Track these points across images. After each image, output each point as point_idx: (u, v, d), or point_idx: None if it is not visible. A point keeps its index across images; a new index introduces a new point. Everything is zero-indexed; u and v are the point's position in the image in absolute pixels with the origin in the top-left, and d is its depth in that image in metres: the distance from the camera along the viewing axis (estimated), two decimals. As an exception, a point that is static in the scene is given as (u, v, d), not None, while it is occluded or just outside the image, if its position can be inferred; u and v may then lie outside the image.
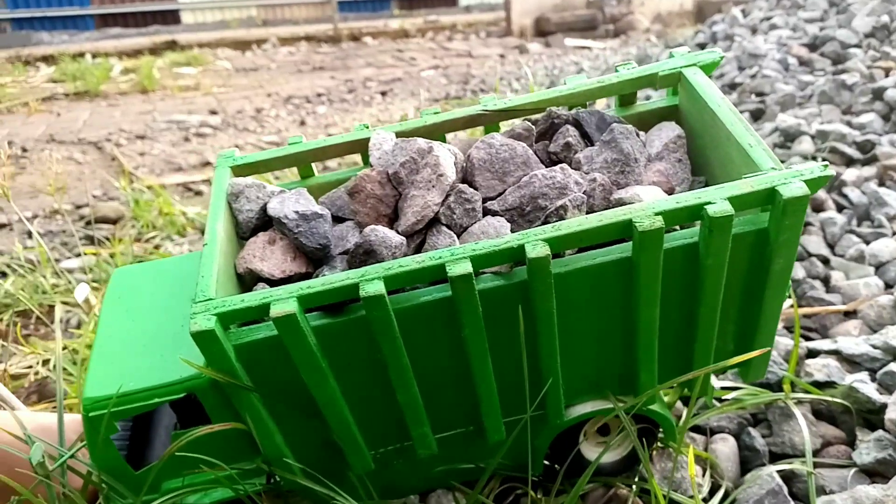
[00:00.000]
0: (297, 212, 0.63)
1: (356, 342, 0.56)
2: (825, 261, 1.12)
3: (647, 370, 0.63)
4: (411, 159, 0.63)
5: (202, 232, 1.73)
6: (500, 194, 0.62)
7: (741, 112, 1.71)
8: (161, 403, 0.59)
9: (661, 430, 0.72)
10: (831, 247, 1.16)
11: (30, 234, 1.95)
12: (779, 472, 0.72)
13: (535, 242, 0.52)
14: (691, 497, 0.71)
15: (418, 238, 0.61)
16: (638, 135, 0.66)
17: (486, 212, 0.62)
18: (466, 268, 0.52)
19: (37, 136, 3.09)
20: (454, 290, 0.53)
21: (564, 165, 0.61)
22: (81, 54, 5.15)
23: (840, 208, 1.26)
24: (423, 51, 5.50)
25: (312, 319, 0.55)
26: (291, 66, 4.99)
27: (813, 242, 1.15)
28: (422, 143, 0.64)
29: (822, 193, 1.27)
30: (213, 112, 3.50)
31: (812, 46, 2.00)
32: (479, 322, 0.55)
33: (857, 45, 1.89)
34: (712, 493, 0.73)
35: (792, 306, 1.02)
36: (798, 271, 1.09)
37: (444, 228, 0.61)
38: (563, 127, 0.67)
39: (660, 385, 0.64)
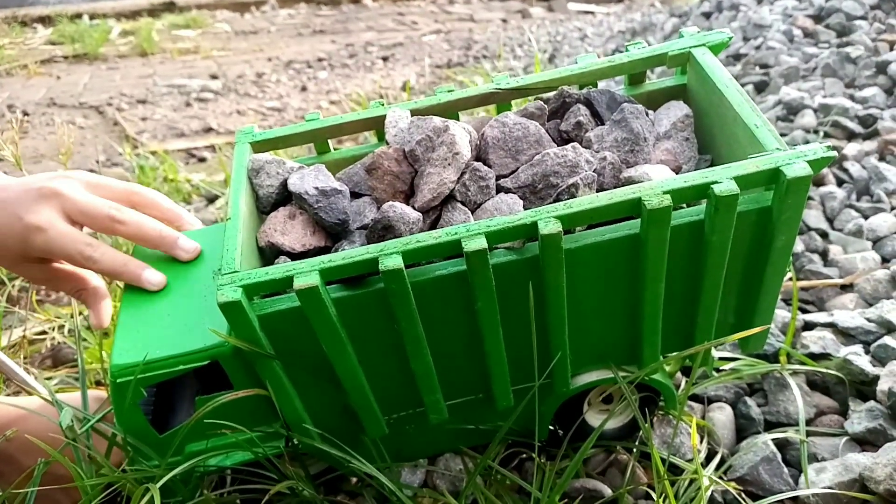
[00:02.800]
0: (316, 188, 0.65)
1: (374, 313, 0.59)
2: (824, 235, 1.15)
3: (650, 342, 0.66)
4: (427, 137, 0.65)
5: (208, 199, 1.75)
6: (512, 172, 0.64)
7: (745, 85, 1.72)
8: (186, 370, 0.62)
9: (661, 398, 0.75)
10: (830, 221, 1.18)
11: (36, 200, 1.97)
12: (773, 440, 0.75)
13: (547, 219, 0.55)
14: (689, 461, 0.74)
15: (434, 214, 0.64)
16: (647, 114, 0.68)
17: (500, 189, 0.64)
18: (481, 243, 0.54)
19: (37, 100, 3.08)
20: (469, 265, 0.55)
21: (576, 144, 0.63)
22: (79, 15, 5.08)
23: (840, 183, 1.28)
24: (425, 14, 5.44)
25: (333, 291, 0.57)
26: (291, 30, 4.94)
27: (812, 216, 1.17)
28: (437, 121, 0.65)
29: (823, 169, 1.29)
30: (214, 76, 3.48)
31: (817, 18, 1.99)
32: (492, 295, 0.57)
33: (863, 17, 1.89)
34: (709, 459, 0.76)
35: (791, 279, 1.04)
36: (797, 245, 1.11)
37: (459, 205, 0.63)
38: (575, 106, 0.68)
39: (663, 358, 0.67)
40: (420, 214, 0.61)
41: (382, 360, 0.63)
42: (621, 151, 0.65)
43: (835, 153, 0.57)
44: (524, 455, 0.79)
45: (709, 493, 0.70)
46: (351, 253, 0.55)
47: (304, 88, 3.24)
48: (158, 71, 3.66)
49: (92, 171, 2.16)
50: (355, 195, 0.70)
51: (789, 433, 0.77)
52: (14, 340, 1.14)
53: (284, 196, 0.70)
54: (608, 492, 0.72)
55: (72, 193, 0.69)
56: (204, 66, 3.76)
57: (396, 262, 0.54)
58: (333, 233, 0.67)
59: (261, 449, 0.66)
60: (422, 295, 0.57)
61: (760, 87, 1.69)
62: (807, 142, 1.42)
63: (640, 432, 0.77)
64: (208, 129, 2.59)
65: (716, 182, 0.55)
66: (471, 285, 0.57)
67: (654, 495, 0.68)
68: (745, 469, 0.73)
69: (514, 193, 0.62)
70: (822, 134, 1.42)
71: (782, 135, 1.49)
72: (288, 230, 0.65)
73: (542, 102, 0.70)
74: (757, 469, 0.72)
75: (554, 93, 0.71)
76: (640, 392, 0.74)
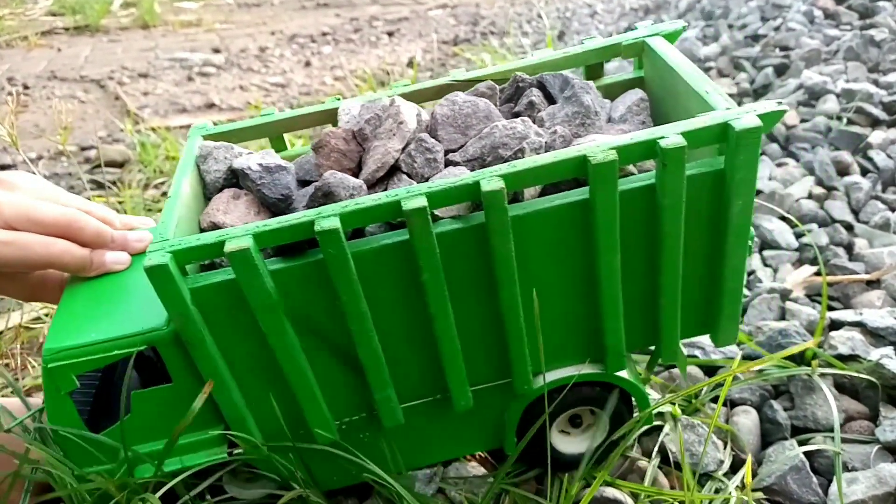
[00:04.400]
0: (260, 164, 0.63)
1: (315, 289, 0.56)
2: (849, 227, 1.11)
3: (613, 330, 0.62)
4: (375, 116, 0.64)
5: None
6: (462, 147, 0.63)
7: (764, 67, 1.67)
8: (122, 356, 0.58)
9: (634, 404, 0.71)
10: (855, 213, 1.14)
11: (35, 177, 1.93)
12: (802, 447, 0.72)
13: (489, 178, 0.53)
14: (713, 473, 0.71)
15: (380, 188, 0.62)
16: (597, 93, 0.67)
17: (448, 164, 0.62)
18: (422, 202, 0.52)
19: (38, 73, 3.02)
20: (410, 227, 0.52)
21: (525, 118, 0.61)
22: (79, -15, 5.00)
23: (864, 172, 1.24)
24: (431, -12, 5.34)
25: (270, 264, 0.55)
26: (295, 2, 4.85)
27: (837, 208, 1.14)
28: (385, 100, 0.65)
29: (847, 156, 1.25)
30: (217, 50, 3.42)
31: (839, -2, 1.93)
32: (438, 264, 0.55)
33: (887, -2, 1.83)
34: (732, 465, 0.73)
35: (817, 273, 1.01)
36: (821, 237, 1.07)
37: (405, 177, 0.61)
38: (528, 89, 0.68)
39: (628, 350, 0.65)
40: (362, 182, 0.59)
41: (326, 346, 0.59)
42: (572, 125, 0.63)
43: (787, 108, 0.56)
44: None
45: None
46: (287, 217, 0.53)
47: (307, 63, 3.18)
48: (160, 44, 3.59)
49: (93, 147, 2.10)
50: (305, 183, 0.68)
51: (818, 439, 0.74)
52: (10, 326, 1.11)
53: (232, 182, 0.68)
54: (629, 502, 0.69)
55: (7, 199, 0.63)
56: (206, 39, 3.69)
57: (333, 222, 0.51)
58: (277, 211, 0.64)
59: (199, 455, 0.62)
60: (364, 267, 0.55)
61: (780, 70, 1.64)
62: (829, 129, 1.37)
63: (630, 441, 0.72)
64: (211, 105, 2.54)
65: (662, 137, 0.53)
66: (414, 252, 0.54)
67: (677, 505, 0.65)
68: (773, 479, 0.70)
69: (463, 166, 0.60)
70: (844, 121, 1.38)
71: (803, 121, 1.44)
72: (230, 210, 0.62)
73: (492, 82, 0.70)
74: (785, 479, 0.69)
75: (508, 81, 0.70)
76: (609, 396, 0.69)
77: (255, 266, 0.52)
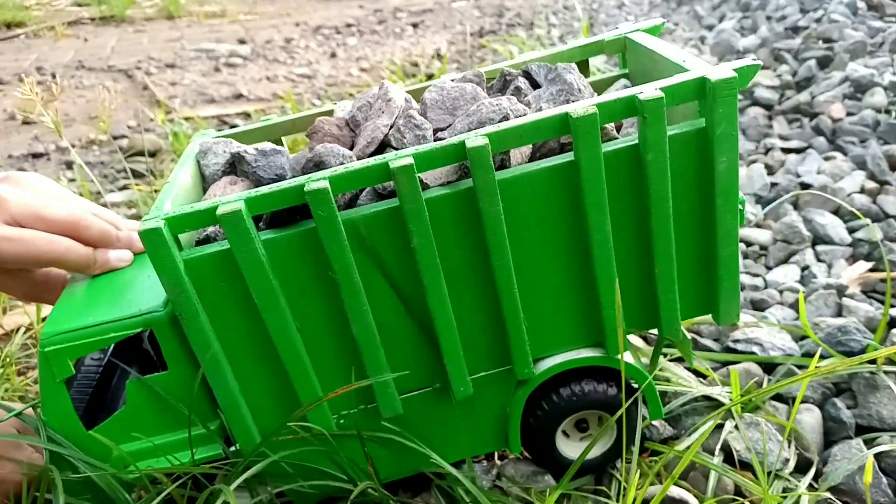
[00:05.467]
0: (256, 149, 0.65)
1: (308, 261, 0.56)
2: (903, 223, 1.08)
3: (609, 304, 0.61)
4: (367, 103, 0.67)
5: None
6: (450, 126, 0.63)
7: (806, 59, 1.64)
8: (118, 338, 0.58)
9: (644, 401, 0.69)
10: (910, 208, 1.11)
11: (68, 165, 1.93)
12: (869, 446, 0.70)
13: (474, 136, 0.53)
14: (779, 472, 0.69)
15: None
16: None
17: (437, 140, 0.62)
18: (408, 161, 0.52)
19: (66, 62, 3.03)
20: (398, 188, 0.52)
21: (511, 96, 0.62)
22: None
23: (917, 167, 1.21)
24: (454, -20, 5.31)
25: (263, 235, 0.55)
26: (318, -6, 4.84)
27: (891, 203, 1.11)
28: (376, 88, 0.67)
29: (898, 150, 1.22)
30: (242, 41, 3.42)
31: (882, -11, 1.89)
32: (427, 228, 0.54)
33: (932, -10, 1.79)
34: (798, 467, 0.71)
35: (872, 269, 0.98)
36: (875, 232, 1.05)
37: (395, 153, 0.60)
38: (515, 79, 0.69)
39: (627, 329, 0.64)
40: (352, 153, 0.59)
41: (321, 326, 0.59)
42: (557, 102, 0.63)
43: (760, 62, 0.58)
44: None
45: (804, 504, 0.65)
46: (278, 183, 0.53)
47: (333, 55, 3.17)
48: (186, 34, 3.60)
49: (124, 136, 2.10)
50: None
51: (884, 438, 0.72)
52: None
53: (231, 173, 0.69)
54: (694, 501, 0.67)
55: (17, 197, 0.64)
56: (231, 30, 3.70)
57: (322, 184, 0.52)
58: None
59: (198, 451, 0.61)
60: (354, 235, 0.55)
61: (824, 63, 1.61)
62: (878, 123, 1.34)
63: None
64: (238, 96, 2.53)
65: (641, 92, 0.54)
66: (404, 215, 0.53)
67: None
68: (841, 478, 0.68)
69: None
70: (893, 114, 1.34)
71: (849, 114, 1.41)
72: (228, 193, 0.63)
73: (479, 70, 0.71)
74: (853, 479, 0.67)
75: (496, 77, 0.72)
76: (615, 387, 0.67)
77: (246, 230, 0.52)
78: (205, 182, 0.69)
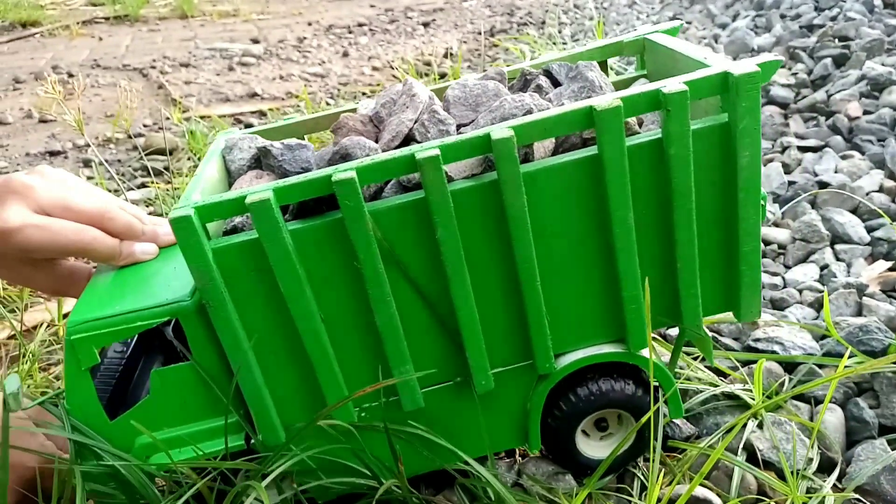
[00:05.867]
0: (282, 143, 0.65)
1: (333, 251, 0.56)
2: (923, 222, 1.08)
3: (631, 299, 0.61)
4: (391, 100, 0.68)
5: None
6: (473, 122, 0.64)
7: (822, 58, 1.63)
8: (145, 327, 0.58)
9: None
10: (929, 207, 1.11)
11: (85, 163, 1.95)
12: (890, 445, 0.70)
13: (499, 128, 0.54)
14: (803, 471, 0.69)
15: None
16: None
17: None
18: (434, 152, 0.52)
19: (81, 61, 3.06)
20: (424, 179, 0.53)
21: (533, 93, 0.63)
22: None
23: (936, 165, 1.20)
24: (465, -21, 5.31)
25: (290, 225, 0.55)
26: (330, -7, 4.86)
27: (911, 202, 1.10)
28: (399, 85, 0.68)
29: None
30: (255, 41, 3.43)
31: (898, -13, 1.88)
32: (452, 219, 0.55)
33: (950, -13, 1.78)
34: (820, 467, 0.71)
35: (892, 268, 0.98)
36: (892, 233, 1.05)
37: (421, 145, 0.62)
38: (536, 78, 0.69)
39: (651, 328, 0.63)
40: (378, 146, 0.60)
41: (345, 317, 0.59)
42: (579, 99, 0.64)
43: (782, 59, 0.58)
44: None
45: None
46: (305, 174, 0.54)
47: (345, 54, 3.18)
48: (199, 34, 3.62)
49: (141, 134, 2.12)
50: None
51: (907, 438, 0.72)
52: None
53: (256, 168, 0.70)
54: (717, 501, 0.67)
55: (44, 187, 0.64)
56: (244, 29, 3.71)
57: (349, 174, 0.52)
58: None
59: (212, 442, 0.61)
60: (379, 226, 0.55)
61: (840, 61, 1.60)
62: (895, 121, 1.34)
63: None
64: (253, 95, 2.54)
65: (664, 86, 0.55)
66: (429, 206, 0.54)
67: None
68: (865, 479, 0.67)
69: None
70: (912, 112, 1.34)
71: (866, 112, 1.41)
72: (254, 186, 0.64)
73: (501, 69, 0.72)
74: (878, 479, 0.67)
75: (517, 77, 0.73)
76: (634, 385, 0.67)
77: (275, 220, 0.53)
78: (230, 177, 0.70)
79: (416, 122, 0.63)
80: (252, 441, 0.63)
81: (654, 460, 0.60)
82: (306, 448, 0.62)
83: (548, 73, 0.71)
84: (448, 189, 0.54)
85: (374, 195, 0.59)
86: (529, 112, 0.59)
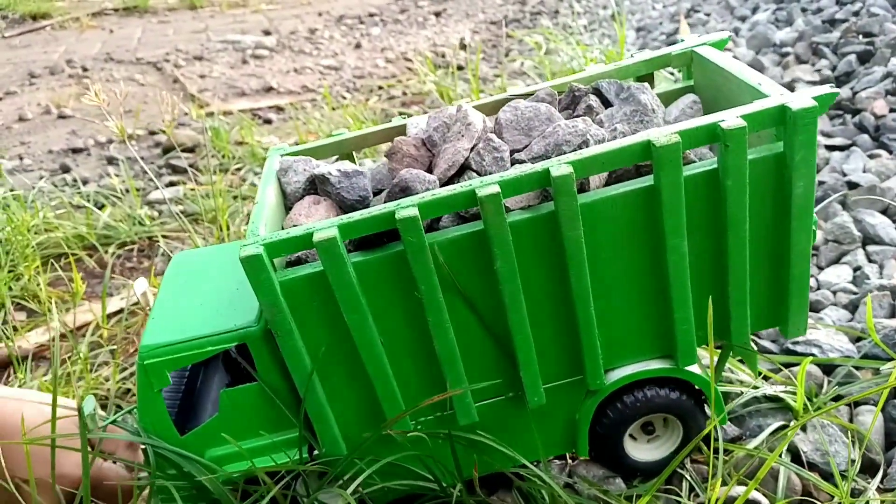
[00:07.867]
0: (339, 170, 0.67)
1: (394, 281, 0.58)
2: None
3: (682, 320, 0.62)
4: (443, 124, 0.69)
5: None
6: (526, 147, 0.65)
7: (846, 54, 1.63)
8: (215, 352, 0.61)
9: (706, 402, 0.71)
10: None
11: (109, 161, 1.96)
12: (935, 449, 0.72)
13: (558, 164, 0.55)
14: (845, 473, 0.71)
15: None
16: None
17: (514, 162, 0.64)
18: (495, 189, 0.54)
19: (94, 55, 3.06)
20: (484, 213, 0.55)
21: (586, 118, 0.63)
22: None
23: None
24: (473, -33, 5.28)
25: (353, 257, 0.57)
26: (338, -18, 4.83)
27: (940, 203, 1.11)
28: (452, 109, 0.69)
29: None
30: (267, 32, 3.43)
31: (919, -20, 1.88)
32: (511, 252, 0.56)
33: (972, -19, 1.78)
34: (862, 468, 0.73)
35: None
36: (925, 233, 1.06)
37: (475, 175, 0.63)
38: (585, 96, 0.70)
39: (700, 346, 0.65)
40: (436, 177, 0.61)
41: (404, 342, 0.61)
42: (632, 123, 0.65)
43: (839, 91, 0.59)
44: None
45: (874, 506, 0.67)
46: (369, 210, 0.56)
47: (358, 45, 3.18)
48: (210, 25, 3.61)
49: (162, 131, 2.12)
50: (378, 192, 0.71)
51: (948, 442, 0.73)
52: (118, 307, 1.14)
53: (311, 191, 0.71)
54: (765, 501, 0.69)
55: None
56: (255, 20, 3.71)
57: (412, 211, 0.54)
58: None
59: (276, 455, 0.64)
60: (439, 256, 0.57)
61: (864, 58, 1.61)
62: (922, 119, 1.34)
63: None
64: (269, 89, 2.55)
65: (723, 120, 0.56)
66: (488, 240, 0.56)
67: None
68: (908, 481, 0.69)
69: (529, 164, 0.62)
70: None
71: (892, 110, 1.41)
72: (312, 213, 0.66)
73: (552, 89, 0.73)
74: (921, 481, 0.69)
75: (564, 91, 0.73)
76: (680, 395, 0.69)
77: (340, 255, 0.55)
78: (286, 199, 0.71)
79: (471, 149, 0.64)
80: (315, 452, 0.65)
81: (707, 463, 0.62)
82: (370, 458, 0.65)
83: (597, 91, 0.72)
84: (507, 222, 0.55)
85: (431, 223, 0.61)
86: (585, 139, 0.60)
